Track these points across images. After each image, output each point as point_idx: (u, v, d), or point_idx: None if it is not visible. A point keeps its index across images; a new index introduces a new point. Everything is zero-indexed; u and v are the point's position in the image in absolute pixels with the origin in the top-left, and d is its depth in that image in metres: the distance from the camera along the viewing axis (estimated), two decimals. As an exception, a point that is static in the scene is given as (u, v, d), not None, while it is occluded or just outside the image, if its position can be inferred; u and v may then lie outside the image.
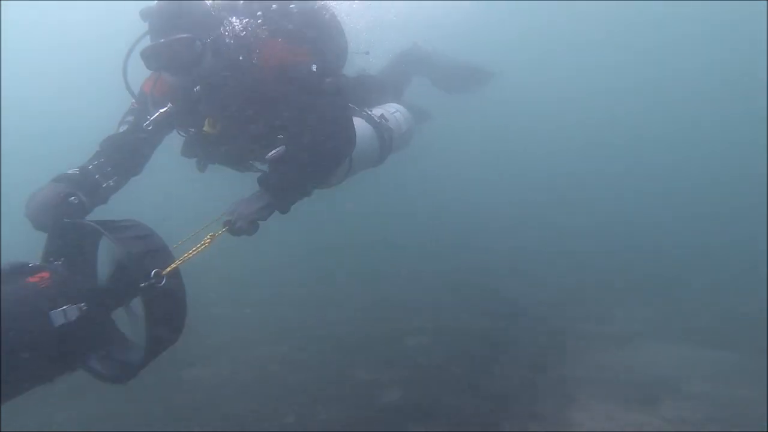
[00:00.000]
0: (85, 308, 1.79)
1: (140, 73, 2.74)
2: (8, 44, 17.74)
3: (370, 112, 3.32)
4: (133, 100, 2.76)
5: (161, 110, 2.58)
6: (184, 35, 2.38)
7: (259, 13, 2.75)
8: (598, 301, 5.87)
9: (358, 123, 3.10)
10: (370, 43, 3.99)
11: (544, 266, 7.17)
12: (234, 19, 2.65)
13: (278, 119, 2.64)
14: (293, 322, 5.52)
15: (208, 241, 2.12)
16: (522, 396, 3.88)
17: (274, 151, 2.56)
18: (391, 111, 3.59)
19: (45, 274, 1.81)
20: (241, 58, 2.60)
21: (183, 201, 10.40)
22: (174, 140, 2.86)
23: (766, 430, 3.40)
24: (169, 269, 1.92)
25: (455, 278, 6.73)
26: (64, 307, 1.74)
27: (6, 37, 17.45)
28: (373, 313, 5.73)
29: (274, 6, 2.84)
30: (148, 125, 2.62)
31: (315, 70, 2.64)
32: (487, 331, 5.14)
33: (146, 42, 2.49)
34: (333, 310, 5.87)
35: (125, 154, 2.70)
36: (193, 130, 2.69)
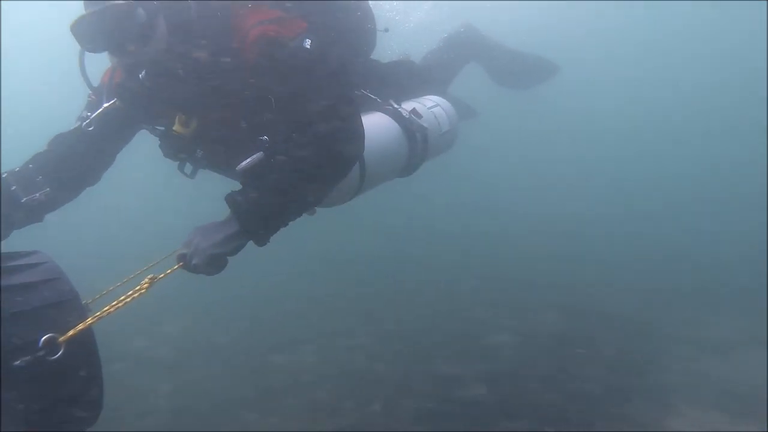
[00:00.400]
0: None
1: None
2: (8, 44, 17.63)
3: (397, 106, 2.59)
4: (90, 92, 2.23)
5: (105, 105, 2.09)
6: (121, 1, 1.81)
7: None
8: (688, 308, 5.57)
9: (379, 120, 2.50)
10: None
11: (622, 269, 6.89)
12: None
13: (260, 114, 2.02)
14: (369, 318, 5.59)
15: (146, 285, 1.60)
16: (613, 398, 3.76)
17: (248, 160, 1.92)
18: (428, 105, 2.88)
19: None
20: (209, 32, 1.98)
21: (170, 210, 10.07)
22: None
23: (766, 430, 3.32)
24: (70, 334, 1.33)
25: (532, 279, 6.58)
26: None
27: (6, 37, 17.31)
28: (449, 310, 5.72)
29: None
30: (88, 125, 2.14)
31: (308, 46, 1.98)
32: (573, 332, 5.00)
33: None
34: (406, 306, 5.89)
35: (70, 159, 2.18)
36: (162, 128, 2.14)
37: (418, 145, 2.63)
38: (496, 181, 13.33)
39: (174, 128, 2.07)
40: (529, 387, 3.97)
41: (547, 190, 12.06)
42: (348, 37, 2.45)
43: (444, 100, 3.09)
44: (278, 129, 1.99)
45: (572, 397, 3.80)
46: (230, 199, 1.81)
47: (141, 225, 9.83)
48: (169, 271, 1.71)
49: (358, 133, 1.98)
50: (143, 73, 1.93)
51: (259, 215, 1.78)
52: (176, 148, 2.16)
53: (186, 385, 4.31)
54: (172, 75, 1.96)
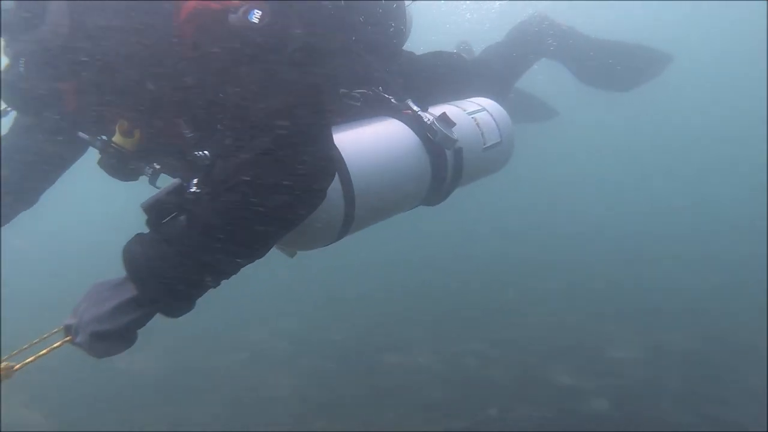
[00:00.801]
0: None
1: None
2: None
3: (417, 109, 1.91)
4: None
5: None
6: None
7: None
8: None
9: (387, 129, 1.84)
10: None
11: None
12: None
13: (210, 121, 1.49)
14: (481, 323, 5.50)
15: None
16: (764, 428, 3.38)
17: (156, 192, 1.32)
18: (470, 110, 2.21)
19: None
20: (131, 8, 1.45)
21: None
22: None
23: (766, 430, 3.20)
24: None
25: (660, 293, 6.12)
26: None
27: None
28: (566, 322, 5.47)
29: None
30: None
31: (256, 20, 1.42)
32: (709, 354, 4.57)
33: None
34: (519, 315, 5.73)
35: None
36: (104, 137, 1.61)
37: (446, 163, 1.93)
38: (597, 185, 12.69)
39: (114, 139, 1.57)
40: (659, 406, 3.70)
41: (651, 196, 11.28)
42: (333, 18, 1.82)
43: (494, 104, 2.41)
44: (213, 144, 1.48)
45: (714, 422, 3.49)
46: (126, 251, 1.27)
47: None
48: (44, 352, 1.20)
49: (316, 154, 1.33)
50: (22, 63, 1.44)
51: (162, 277, 1.22)
52: (117, 164, 1.62)
53: (305, 377, 4.49)
54: (72, 67, 1.45)
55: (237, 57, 1.41)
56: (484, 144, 2.16)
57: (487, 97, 2.44)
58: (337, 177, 1.49)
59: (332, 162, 1.41)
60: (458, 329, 5.34)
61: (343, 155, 1.55)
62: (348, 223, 1.63)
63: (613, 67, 3.18)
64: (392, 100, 1.94)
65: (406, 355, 4.80)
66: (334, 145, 1.46)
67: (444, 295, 6.47)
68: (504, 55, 2.99)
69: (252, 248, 1.34)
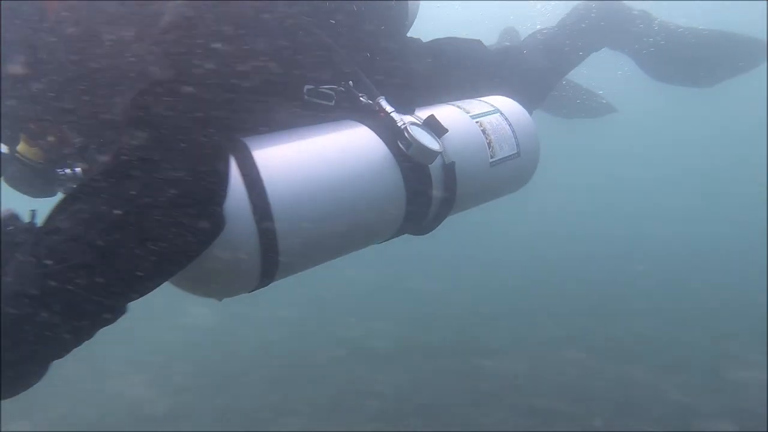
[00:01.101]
0: None
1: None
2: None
3: (391, 110, 1.43)
4: None
5: None
6: None
7: None
8: None
9: (340, 139, 1.38)
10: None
11: None
12: None
13: (83, 127, 1.26)
14: (579, 331, 5.28)
15: None
16: None
17: None
18: (475, 112, 1.70)
19: None
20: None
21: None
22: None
23: (766, 430, 3.20)
24: None
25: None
26: None
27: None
28: (677, 336, 5.11)
29: None
30: None
31: None
32: None
33: None
34: (622, 325, 5.42)
35: None
36: (7, 148, 1.39)
37: (428, 182, 1.46)
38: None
39: (18, 148, 1.35)
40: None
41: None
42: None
43: (513, 104, 1.86)
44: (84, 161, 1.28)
45: None
46: None
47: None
48: None
49: (188, 166, 1.02)
50: None
51: None
52: (23, 177, 1.37)
53: (402, 377, 4.52)
54: None
55: (96, 37, 1.11)
56: (492, 157, 1.66)
57: (515, 98, 1.90)
58: (248, 203, 1.12)
59: (214, 179, 1.04)
60: (555, 336, 5.18)
61: (261, 173, 1.16)
62: (271, 266, 1.21)
63: (698, 59, 2.65)
64: (361, 98, 1.47)
65: (502, 360, 4.71)
66: (225, 156, 1.11)
67: (536, 301, 6.29)
68: (551, 45, 2.38)
69: (93, 310, 0.95)
